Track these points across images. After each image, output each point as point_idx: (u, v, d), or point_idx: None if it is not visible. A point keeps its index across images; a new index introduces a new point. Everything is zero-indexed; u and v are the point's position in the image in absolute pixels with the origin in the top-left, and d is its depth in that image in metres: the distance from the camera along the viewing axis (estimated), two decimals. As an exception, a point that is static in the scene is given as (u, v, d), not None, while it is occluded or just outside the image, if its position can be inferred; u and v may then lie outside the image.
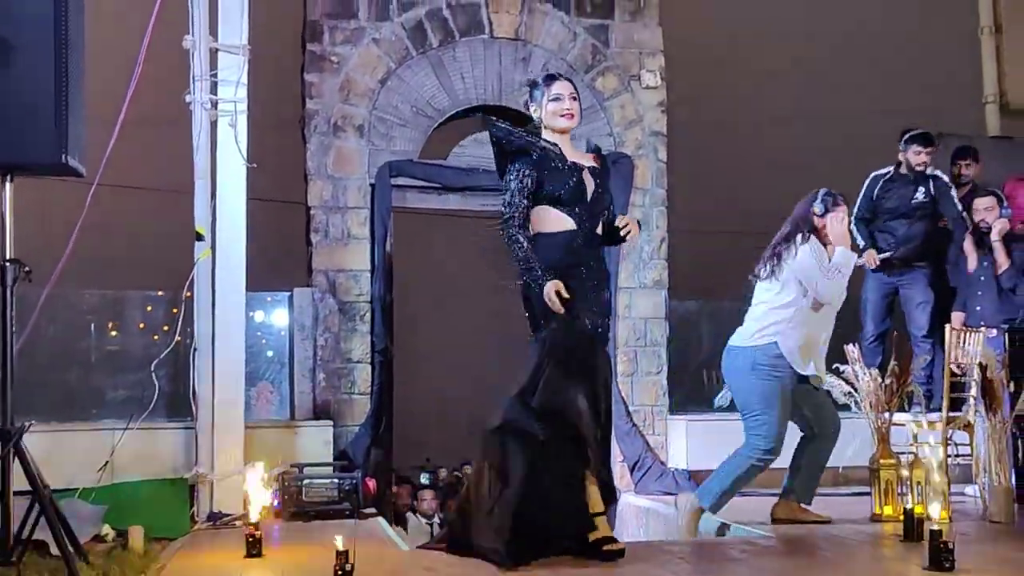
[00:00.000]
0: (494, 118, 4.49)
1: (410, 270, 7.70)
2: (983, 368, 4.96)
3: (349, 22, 6.96)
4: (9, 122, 3.83)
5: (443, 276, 9.16)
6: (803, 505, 5.08)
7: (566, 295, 3.92)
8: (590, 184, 4.16)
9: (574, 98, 4.19)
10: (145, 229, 5.88)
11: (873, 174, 6.66)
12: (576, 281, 4.03)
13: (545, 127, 4.21)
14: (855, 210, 6.61)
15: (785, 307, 4.93)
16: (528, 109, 4.34)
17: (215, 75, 5.36)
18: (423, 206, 7.37)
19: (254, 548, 4.20)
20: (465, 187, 7.17)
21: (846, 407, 5.35)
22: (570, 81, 4.29)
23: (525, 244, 4.06)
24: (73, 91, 3.96)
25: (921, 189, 6.38)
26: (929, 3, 9.21)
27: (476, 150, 7.23)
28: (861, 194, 6.66)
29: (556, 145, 4.18)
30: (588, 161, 4.25)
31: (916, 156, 6.45)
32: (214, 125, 5.37)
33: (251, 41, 5.39)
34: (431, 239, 8.73)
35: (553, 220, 4.11)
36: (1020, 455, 5.80)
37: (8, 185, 3.94)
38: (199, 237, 5.40)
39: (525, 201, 4.10)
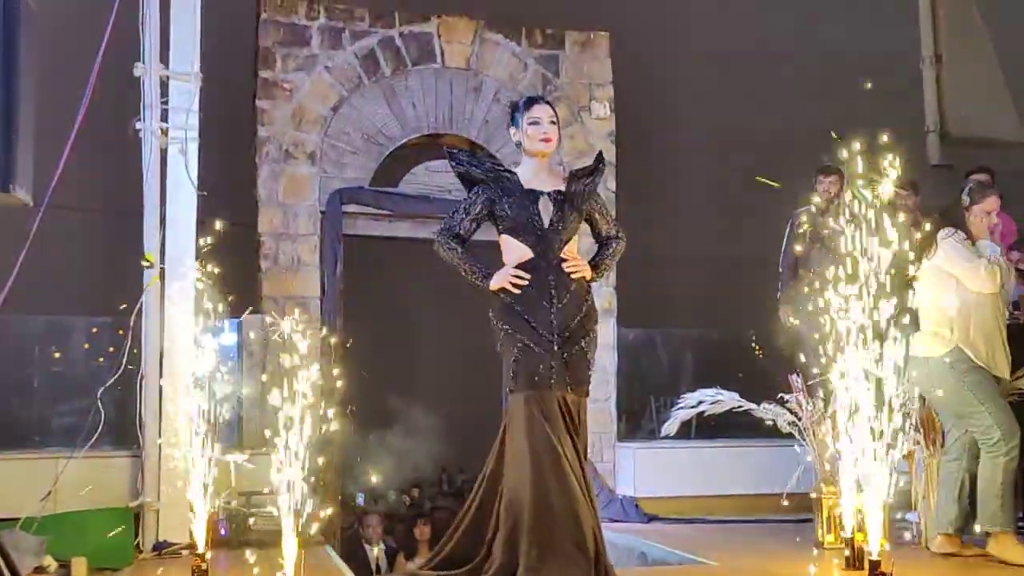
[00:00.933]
0: (455, 150, 4.46)
1: (360, 296, 7.70)
2: (923, 399, 5.04)
3: (301, 50, 7.02)
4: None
5: (394, 302, 9.17)
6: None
7: (517, 287, 3.99)
8: (547, 210, 4.10)
9: (552, 122, 4.16)
10: (92, 254, 5.83)
11: (794, 213, 6.76)
12: (540, 308, 4.02)
13: (524, 151, 4.20)
14: (780, 259, 6.72)
15: (948, 306, 4.78)
16: (509, 131, 4.31)
17: (166, 102, 5.34)
18: (374, 233, 7.39)
19: (201, 578, 4.22)
20: (416, 214, 7.22)
21: (790, 435, 5.44)
22: (550, 104, 4.24)
23: (456, 252, 4.10)
24: (22, 121, 3.94)
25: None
26: (878, 31, 9.40)
27: (427, 178, 7.31)
28: (785, 241, 6.73)
29: (513, 173, 4.18)
30: (554, 185, 4.19)
31: (820, 186, 6.60)
32: (164, 152, 5.36)
33: (202, 68, 5.39)
34: (382, 266, 8.74)
35: (513, 249, 4.10)
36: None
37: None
38: (148, 264, 5.38)
39: (468, 221, 4.15)
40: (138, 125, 5.37)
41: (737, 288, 6.92)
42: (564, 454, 3.95)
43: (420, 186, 7.22)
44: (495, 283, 4.05)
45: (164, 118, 5.34)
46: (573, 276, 4.09)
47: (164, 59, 5.38)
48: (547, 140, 4.14)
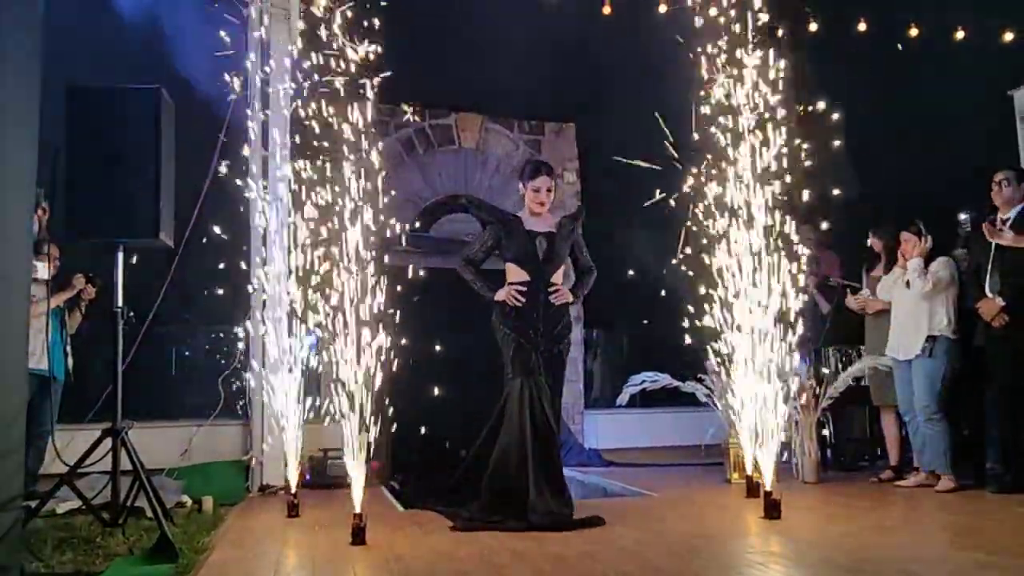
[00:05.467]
0: (473, 199, 4.38)
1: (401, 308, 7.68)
2: (797, 377, 5.02)
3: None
4: (120, 209, 3.80)
5: (425, 313, 9.09)
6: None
7: (516, 301, 3.90)
8: (542, 246, 4.00)
9: (549, 190, 4.04)
10: (213, 280, 5.81)
11: None
12: (530, 317, 3.94)
13: (525, 204, 4.08)
14: None
15: None
16: (518, 184, 4.18)
17: (266, 174, 5.36)
18: (412, 264, 7.39)
19: (293, 510, 4.22)
20: (442, 251, 7.23)
21: (706, 404, 5.37)
22: (550, 175, 4.08)
23: (471, 273, 4.03)
24: (165, 185, 3.92)
25: None
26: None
27: (449, 226, 7.34)
28: None
29: (517, 218, 4.06)
30: (547, 227, 4.06)
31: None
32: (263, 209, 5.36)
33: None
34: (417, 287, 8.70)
35: (514, 273, 4.02)
36: (828, 435, 5.92)
37: (120, 254, 3.93)
38: (254, 288, 5.39)
39: (481, 252, 4.06)
40: (247, 193, 5.39)
41: (671, 298, 6.87)
42: (547, 424, 3.88)
43: (444, 231, 7.25)
44: (499, 296, 3.98)
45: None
46: (557, 303, 4.00)
47: (264, 143, 5.40)
48: (542, 204, 4.04)
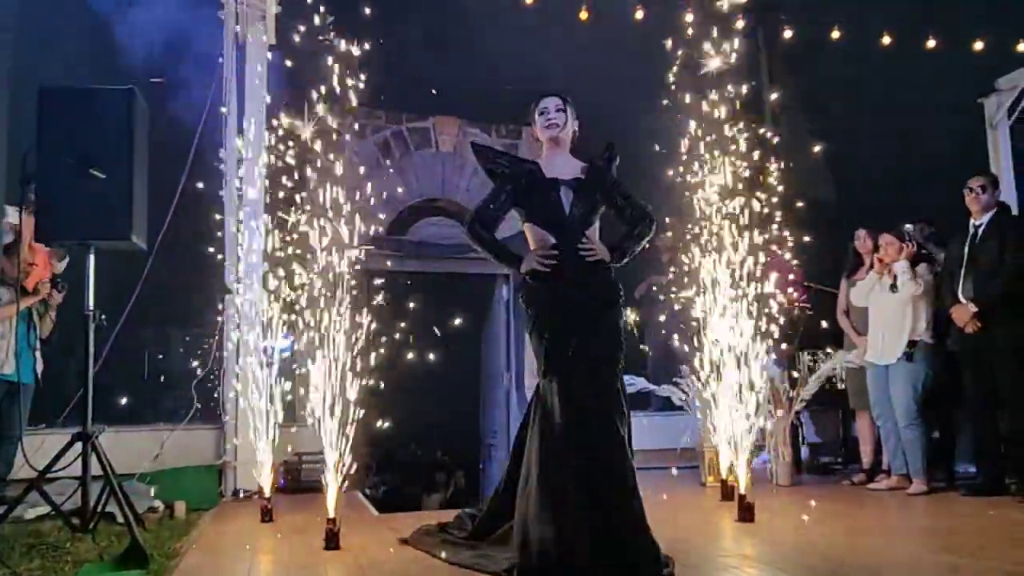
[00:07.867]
0: (482, 146, 3.34)
1: (377, 311, 7.65)
2: (771, 381, 5.09)
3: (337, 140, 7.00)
4: (92, 210, 3.74)
5: (399, 316, 9.02)
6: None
7: (545, 268, 3.04)
8: (567, 198, 3.11)
9: (559, 109, 3.19)
10: (187, 283, 5.75)
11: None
12: (563, 288, 3.04)
13: (542, 143, 3.25)
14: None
15: None
16: (529, 131, 3.40)
17: (240, 178, 5.32)
18: (388, 267, 7.38)
19: (267, 515, 4.19)
20: (419, 255, 7.21)
21: (681, 408, 5.42)
22: (559, 96, 3.24)
23: (486, 237, 3.15)
24: (138, 187, 3.87)
25: None
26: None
27: (427, 229, 7.31)
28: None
29: (536, 164, 3.21)
30: (573, 173, 3.17)
31: None
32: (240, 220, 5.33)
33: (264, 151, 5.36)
34: (393, 290, 8.66)
35: (536, 236, 3.15)
36: (801, 437, 5.98)
37: (91, 256, 3.87)
38: (228, 291, 5.34)
39: (493, 210, 3.18)
40: (221, 193, 5.34)
41: (650, 302, 6.89)
42: (592, 431, 2.93)
43: (422, 234, 7.23)
44: (525, 267, 3.08)
45: (240, 188, 5.32)
46: (589, 259, 3.07)
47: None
48: (554, 125, 3.18)
